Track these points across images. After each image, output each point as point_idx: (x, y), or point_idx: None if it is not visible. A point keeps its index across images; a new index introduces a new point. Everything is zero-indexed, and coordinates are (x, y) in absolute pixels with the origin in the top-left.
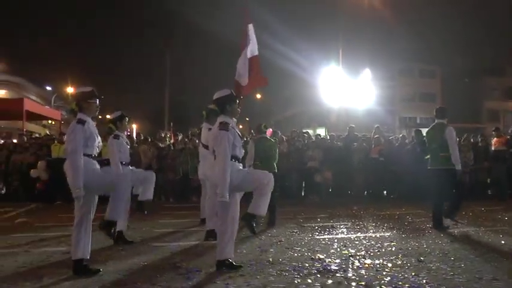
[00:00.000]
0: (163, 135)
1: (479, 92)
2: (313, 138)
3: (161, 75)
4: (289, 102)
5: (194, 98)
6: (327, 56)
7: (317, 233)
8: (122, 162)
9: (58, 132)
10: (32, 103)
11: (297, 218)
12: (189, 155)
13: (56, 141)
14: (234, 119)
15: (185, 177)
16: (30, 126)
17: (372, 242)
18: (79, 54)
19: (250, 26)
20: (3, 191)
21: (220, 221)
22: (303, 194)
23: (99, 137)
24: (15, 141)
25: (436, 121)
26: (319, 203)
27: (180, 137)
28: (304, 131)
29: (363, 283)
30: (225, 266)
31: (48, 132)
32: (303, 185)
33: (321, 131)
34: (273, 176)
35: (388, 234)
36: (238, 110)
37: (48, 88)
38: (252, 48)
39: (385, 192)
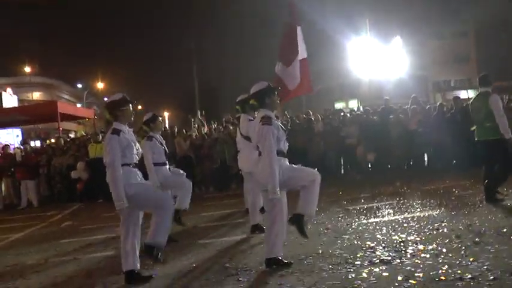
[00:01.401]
0: (196, 126)
1: None
2: (348, 114)
3: (189, 62)
4: (319, 77)
5: (223, 83)
6: (355, 27)
7: (363, 217)
8: (157, 163)
9: (93, 131)
10: (65, 105)
11: (340, 200)
12: (225, 144)
13: (92, 141)
14: (275, 112)
15: (223, 165)
16: (66, 125)
17: (422, 224)
18: (106, 47)
19: (299, 29)
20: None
21: (268, 218)
22: (342, 171)
23: (138, 144)
24: (53, 140)
25: (480, 90)
26: (360, 180)
27: (214, 126)
28: (336, 105)
29: (420, 274)
30: (275, 264)
31: (83, 132)
32: (342, 162)
33: (353, 103)
34: (319, 174)
35: (437, 212)
36: (278, 101)
37: (79, 86)
38: (301, 51)
39: (426, 164)
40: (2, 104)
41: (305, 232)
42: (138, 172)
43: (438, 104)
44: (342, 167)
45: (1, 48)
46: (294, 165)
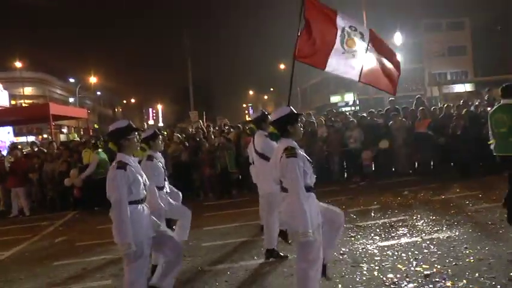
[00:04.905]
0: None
1: None
2: (351, 117)
3: (182, 57)
4: (314, 69)
5: (215, 81)
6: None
7: (378, 238)
8: (156, 187)
9: (85, 126)
10: (56, 106)
11: (349, 213)
12: (226, 150)
13: (86, 147)
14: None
15: (223, 170)
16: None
17: (443, 249)
18: (97, 40)
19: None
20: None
21: (301, 265)
22: (345, 176)
23: (144, 175)
24: (45, 136)
25: (502, 101)
26: (364, 187)
27: (211, 130)
28: (332, 98)
29: None
30: None
31: (76, 135)
32: (345, 167)
33: (349, 96)
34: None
35: (456, 233)
36: (301, 129)
37: (72, 80)
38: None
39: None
40: None
41: (327, 275)
42: (146, 208)
43: (445, 105)
44: (345, 171)
45: None
46: (321, 203)
